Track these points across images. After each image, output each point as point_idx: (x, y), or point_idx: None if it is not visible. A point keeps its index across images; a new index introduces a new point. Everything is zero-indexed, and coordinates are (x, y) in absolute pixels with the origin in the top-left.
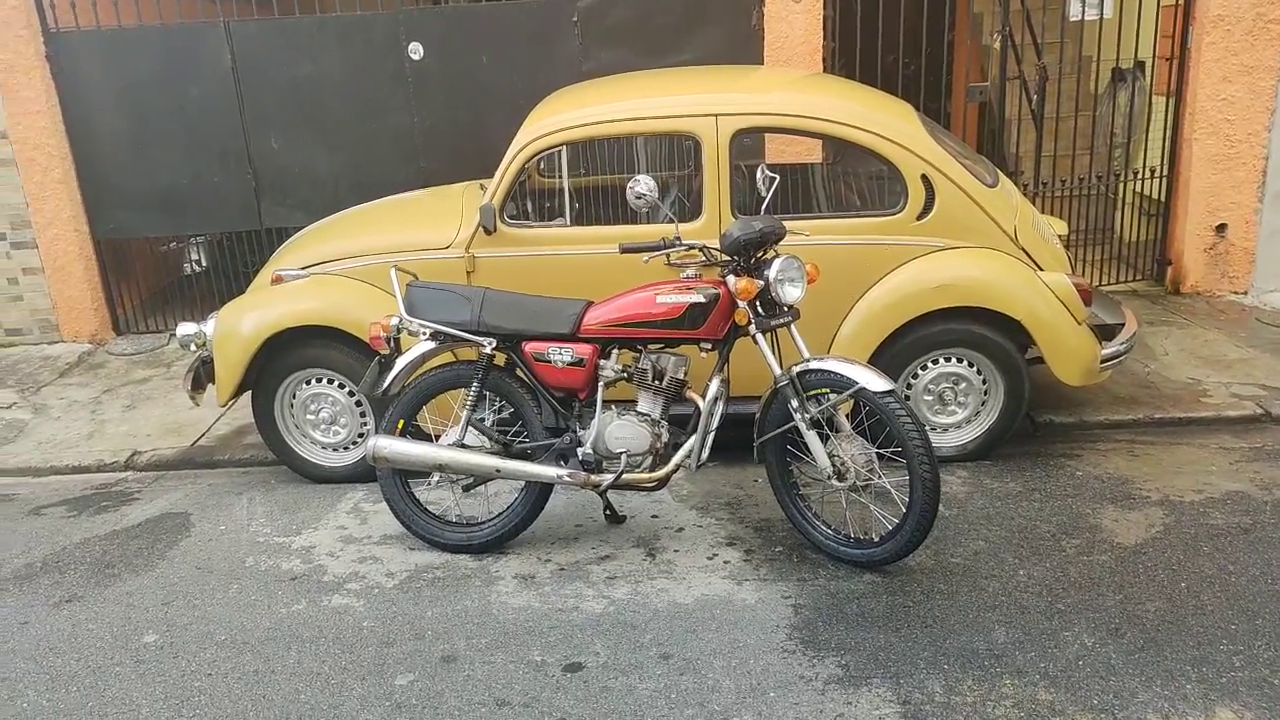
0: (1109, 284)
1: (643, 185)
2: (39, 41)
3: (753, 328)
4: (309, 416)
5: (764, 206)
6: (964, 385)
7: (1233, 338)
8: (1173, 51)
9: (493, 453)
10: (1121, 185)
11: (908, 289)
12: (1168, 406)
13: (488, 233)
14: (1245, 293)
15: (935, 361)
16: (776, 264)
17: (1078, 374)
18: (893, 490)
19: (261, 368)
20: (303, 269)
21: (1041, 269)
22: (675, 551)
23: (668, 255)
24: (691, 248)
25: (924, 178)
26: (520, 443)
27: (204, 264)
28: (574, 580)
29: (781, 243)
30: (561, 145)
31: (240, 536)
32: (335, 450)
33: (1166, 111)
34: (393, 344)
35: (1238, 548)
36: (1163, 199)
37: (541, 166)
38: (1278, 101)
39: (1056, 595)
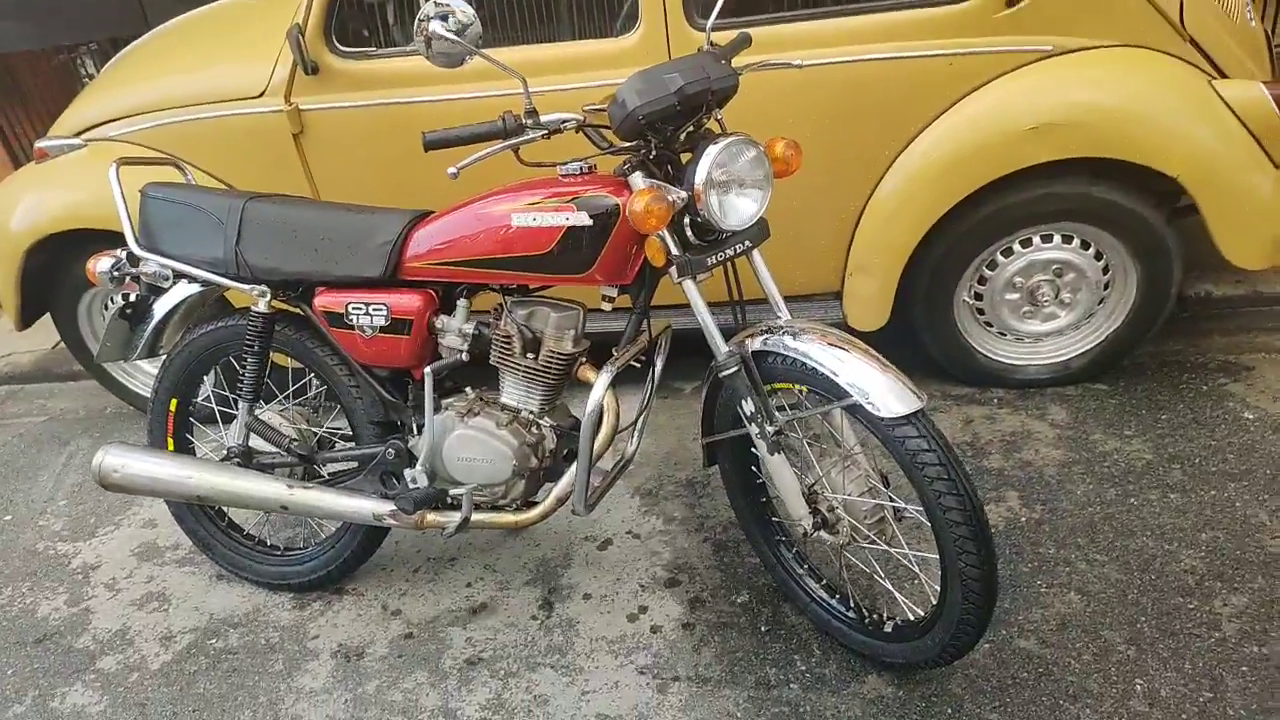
0: None
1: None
2: None
3: (674, 272)
4: None
5: (713, 18)
6: (1071, 277)
7: None
8: None
9: (285, 466)
10: None
11: (985, 132)
12: None
13: (307, 72)
14: None
15: (1027, 243)
16: (708, 157)
17: (1259, 253)
18: (915, 568)
19: (49, 280)
20: (77, 134)
21: (1222, 74)
22: (585, 599)
23: (516, 151)
24: (556, 130)
25: None
26: (326, 455)
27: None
28: (418, 665)
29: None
30: None
31: (20, 536)
32: None
33: None
34: (143, 283)
35: None
36: None
37: None
38: None
39: None
